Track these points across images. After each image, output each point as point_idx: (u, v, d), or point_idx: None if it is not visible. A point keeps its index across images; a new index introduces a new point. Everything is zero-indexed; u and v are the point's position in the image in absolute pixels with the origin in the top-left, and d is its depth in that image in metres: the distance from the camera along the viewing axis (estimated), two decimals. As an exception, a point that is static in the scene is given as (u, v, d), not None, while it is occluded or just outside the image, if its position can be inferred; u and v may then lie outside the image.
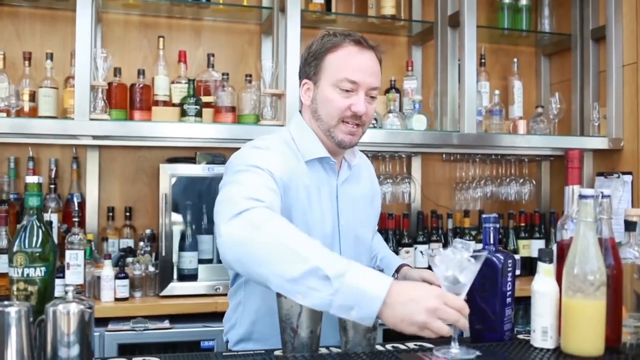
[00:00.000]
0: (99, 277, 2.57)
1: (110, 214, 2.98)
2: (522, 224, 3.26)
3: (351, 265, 1.23)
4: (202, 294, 2.66)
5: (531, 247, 3.20)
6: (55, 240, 2.65)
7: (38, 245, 1.29)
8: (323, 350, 1.40)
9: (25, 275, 1.27)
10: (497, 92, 3.23)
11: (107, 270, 2.55)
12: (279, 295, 1.37)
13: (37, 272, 1.28)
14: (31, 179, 1.31)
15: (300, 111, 1.74)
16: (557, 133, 3.25)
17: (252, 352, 1.42)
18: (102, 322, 2.47)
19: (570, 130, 3.33)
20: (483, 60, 3.34)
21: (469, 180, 3.40)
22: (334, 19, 3.22)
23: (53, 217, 2.76)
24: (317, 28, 3.29)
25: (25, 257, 1.27)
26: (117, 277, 2.56)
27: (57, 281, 2.50)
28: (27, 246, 1.28)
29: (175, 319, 2.55)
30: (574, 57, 3.34)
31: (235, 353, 1.42)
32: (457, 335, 1.31)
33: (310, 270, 1.21)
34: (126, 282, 2.57)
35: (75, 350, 1.18)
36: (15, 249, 1.28)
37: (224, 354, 1.37)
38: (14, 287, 1.27)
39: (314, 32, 3.26)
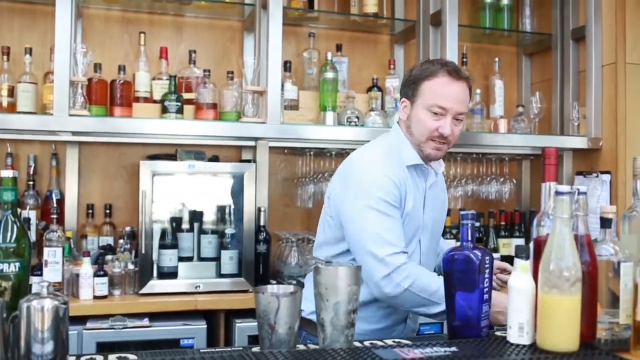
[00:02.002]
0: (77, 275, 2.54)
1: (90, 211, 2.96)
2: (502, 223, 3.29)
3: None
4: (182, 292, 2.65)
5: (511, 245, 3.23)
6: (34, 238, 2.65)
7: (12, 241, 1.27)
8: (300, 347, 1.40)
9: (-1, 270, 1.26)
10: (478, 91, 3.25)
11: (85, 268, 2.53)
12: (256, 290, 1.37)
13: (12, 267, 1.26)
14: (6, 173, 1.29)
15: (397, 122, 2.00)
16: (538, 132, 3.28)
17: (229, 350, 1.42)
18: (81, 320, 2.45)
19: (550, 130, 3.36)
20: (465, 59, 3.35)
21: (450, 179, 3.41)
22: (317, 16, 3.23)
23: (31, 214, 2.73)
24: (300, 25, 3.29)
25: (-1, 252, 1.26)
26: (96, 275, 2.53)
27: (35, 279, 2.50)
28: (1, 241, 1.27)
29: (155, 317, 2.54)
30: (555, 57, 3.37)
31: (213, 350, 1.42)
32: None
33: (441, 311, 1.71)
34: (105, 279, 2.55)
35: (49, 347, 1.16)
36: (-12, 244, 1.26)
37: (201, 350, 1.36)
38: (-13, 283, 1.26)
39: (296, 29, 3.28)
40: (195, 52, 2.99)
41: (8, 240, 1.27)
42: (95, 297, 2.54)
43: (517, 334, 1.36)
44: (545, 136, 3.23)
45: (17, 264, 1.27)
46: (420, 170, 1.95)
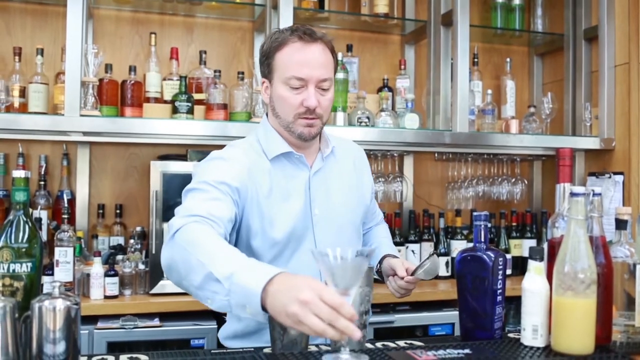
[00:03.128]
0: (88, 275, 2.55)
1: (101, 211, 2.96)
2: (514, 224, 3.26)
3: (243, 264, 1.27)
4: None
5: (522, 246, 3.20)
6: (45, 238, 2.66)
7: (24, 241, 1.27)
8: (313, 349, 1.39)
9: (11, 270, 1.26)
10: (489, 91, 3.23)
11: (96, 268, 2.53)
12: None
13: (24, 267, 1.26)
14: (18, 174, 1.29)
15: (266, 113, 1.79)
16: (549, 133, 3.26)
17: (240, 350, 1.41)
18: (92, 320, 2.46)
19: (562, 130, 3.34)
20: (476, 60, 3.34)
21: (460, 180, 3.39)
22: (327, 16, 3.22)
23: (42, 214, 2.73)
24: (310, 26, 3.27)
25: (11, 252, 1.26)
26: (106, 275, 2.54)
27: (46, 278, 2.51)
28: (13, 241, 1.27)
29: (165, 317, 2.54)
30: (567, 57, 3.34)
31: (224, 350, 1.41)
32: (348, 340, 1.26)
33: (206, 275, 1.28)
34: (116, 279, 2.55)
35: (61, 347, 1.16)
36: (1, 244, 1.26)
37: (212, 351, 1.35)
38: (0, 283, 1.25)
39: (306, 30, 3.26)
40: (205, 52, 2.99)
41: (20, 240, 1.27)
42: (106, 297, 2.54)
43: (531, 336, 1.35)
44: (557, 137, 3.21)
45: (29, 264, 1.27)
46: (295, 159, 1.71)
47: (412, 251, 3.06)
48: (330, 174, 1.78)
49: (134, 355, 1.30)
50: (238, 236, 1.68)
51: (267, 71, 1.69)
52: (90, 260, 2.65)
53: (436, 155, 3.42)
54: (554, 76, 3.53)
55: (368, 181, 1.92)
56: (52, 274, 2.47)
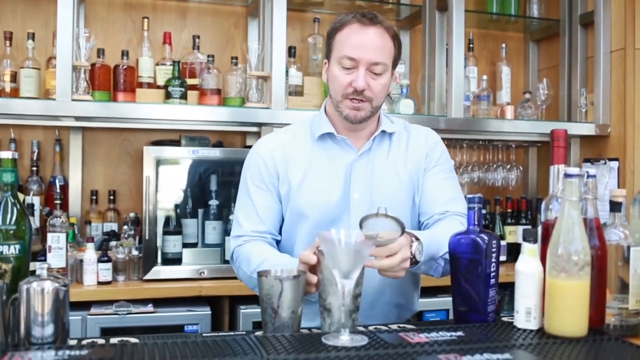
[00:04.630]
0: (81, 261, 2.53)
1: (94, 197, 2.94)
2: (509, 210, 3.26)
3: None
4: (186, 278, 2.63)
5: (517, 233, 3.20)
6: (37, 224, 2.64)
7: (12, 223, 1.26)
8: (304, 331, 1.38)
9: (-1, 252, 1.24)
10: (485, 77, 3.22)
11: (89, 254, 2.52)
12: (259, 274, 1.36)
13: (12, 249, 1.25)
14: (5, 154, 1.27)
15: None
16: (545, 119, 3.24)
17: (232, 334, 1.40)
18: (85, 305, 2.45)
19: (557, 116, 3.33)
20: (471, 45, 3.31)
21: (455, 166, 3.37)
22: (322, 1, 3.19)
23: (35, 200, 2.72)
24: (304, 11, 3.26)
25: (-1, 234, 1.24)
26: (99, 261, 2.53)
27: (39, 264, 2.48)
28: (0, 223, 1.25)
29: (159, 303, 2.53)
30: (562, 43, 3.33)
31: (215, 334, 1.40)
32: (352, 322, 1.31)
33: None
34: (109, 265, 2.54)
35: (49, 330, 1.15)
36: (-12, 226, 1.25)
37: (204, 334, 1.34)
38: (-13, 265, 1.24)
39: (301, 14, 3.25)
40: (199, 37, 2.97)
41: (8, 222, 1.26)
42: (99, 283, 2.53)
43: (525, 318, 1.34)
44: (553, 122, 3.19)
45: (17, 247, 1.26)
46: (339, 141, 1.73)
47: (407, 237, 3.04)
48: (378, 158, 1.75)
49: (124, 339, 1.28)
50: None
51: (328, 51, 1.71)
52: (83, 246, 2.64)
53: (431, 141, 3.40)
54: (549, 62, 3.52)
55: (425, 167, 1.78)
56: (45, 260, 2.45)
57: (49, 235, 2.45)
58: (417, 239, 1.52)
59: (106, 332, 2.42)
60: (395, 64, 1.71)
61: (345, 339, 1.21)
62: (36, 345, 1.13)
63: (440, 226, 1.70)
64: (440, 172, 1.80)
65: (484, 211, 3.17)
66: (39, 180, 2.84)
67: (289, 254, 1.72)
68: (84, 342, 1.26)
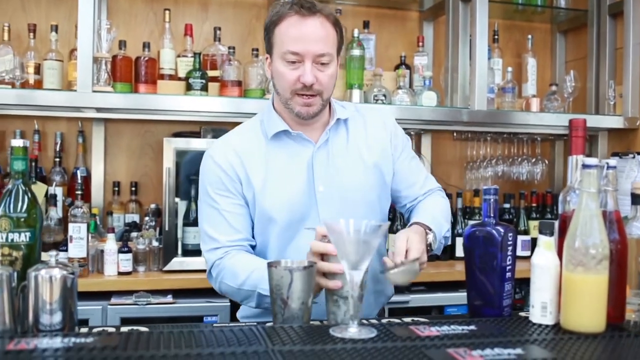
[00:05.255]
0: (102, 251, 2.56)
1: (116, 188, 2.97)
2: (534, 205, 3.20)
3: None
4: (205, 269, 2.63)
5: (542, 228, 3.13)
6: (60, 214, 2.66)
7: (23, 211, 1.26)
8: (316, 323, 1.36)
9: (9, 240, 1.25)
10: (510, 69, 3.16)
11: (110, 244, 2.54)
12: (269, 264, 1.34)
13: (22, 237, 1.26)
14: (17, 143, 1.28)
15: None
16: (572, 112, 3.17)
17: (243, 324, 1.39)
18: (105, 295, 2.47)
19: (585, 109, 3.25)
20: (496, 37, 3.26)
21: (480, 160, 3.33)
22: (343, -8, 3.16)
23: (58, 191, 2.74)
24: (327, 2, 3.22)
25: (9, 222, 1.25)
26: (120, 251, 2.54)
27: (60, 254, 2.51)
28: (11, 211, 1.26)
29: (179, 293, 2.53)
30: (590, 34, 3.24)
31: (226, 324, 1.40)
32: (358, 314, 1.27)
33: (258, 296, 1.56)
34: (129, 256, 2.55)
35: (57, 317, 1.16)
36: (0, 213, 1.25)
37: (214, 325, 1.34)
38: (-1, 252, 1.25)
39: (322, 6, 3.21)
40: (220, 29, 2.96)
41: (19, 210, 1.26)
42: (120, 274, 2.55)
43: (540, 313, 1.31)
44: (580, 115, 3.12)
45: (28, 234, 1.26)
46: (295, 137, 1.67)
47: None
48: (338, 147, 1.70)
49: (135, 327, 1.28)
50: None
51: (268, 46, 1.64)
52: (104, 237, 2.66)
53: (455, 134, 3.36)
54: (577, 54, 3.44)
55: (390, 154, 1.76)
56: (66, 250, 2.48)
57: (70, 226, 2.47)
58: (431, 229, 1.58)
59: (126, 322, 2.42)
60: (339, 51, 1.65)
61: (353, 331, 1.19)
62: (44, 333, 1.13)
63: (431, 205, 1.77)
64: (407, 155, 1.82)
65: (507, 205, 3.12)
66: (61, 171, 2.87)
67: (262, 257, 1.69)
68: (95, 330, 1.26)
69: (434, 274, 2.76)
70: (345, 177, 1.68)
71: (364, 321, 1.37)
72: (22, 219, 1.26)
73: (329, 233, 1.23)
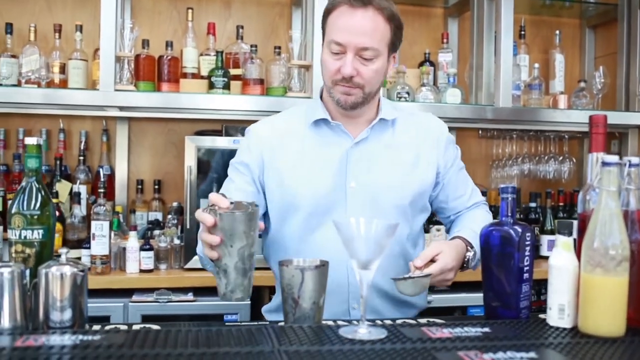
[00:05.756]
0: (124, 249, 2.58)
1: (140, 186, 2.99)
2: (561, 204, 3.13)
3: None
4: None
5: (570, 227, 3.06)
6: (84, 212, 2.69)
7: (36, 208, 1.27)
8: (329, 322, 1.34)
9: (22, 237, 1.26)
10: (536, 65, 3.09)
11: (132, 242, 2.56)
12: (281, 263, 1.33)
13: (35, 234, 1.26)
14: (30, 141, 1.29)
15: None
16: (601, 108, 3.09)
17: (254, 323, 1.38)
18: (127, 293, 2.49)
19: (614, 106, 3.17)
20: (523, 33, 3.19)
21: (505, 158, 3.27)
22: (367, -11, 3.12)
23: (82, 189, 2.77)
24: None
25: (23, 219, 1.26)
26: (142, 249, 2.56)
27: (83, 251, 2.55)
28: (25, 208, 1.26)
29: (199, 291, 2.54)
30: (620, 29, 3.16)
31: (237, 323, 1.39)
32: (248, 281, 1.26)
33: None
34: (151, 254, 2.57)
35: (67, 314, 1.16)
36: (13, 210, 1.26)
37: (226, 323, 1.33)
38: (12, 250, 1.26)
39: (346, 3, 3.19)
40: (242, 27, 2.96)
41: (32, 207, 1.27)
42: (142, 271, 2.57)
43: (557, 316, 1.27)
44: (609, 112, 3.04)
45: (41, 231, 1.27)
46: (334, 127, 1.64)
47: (452, 230, 2.96)
48: (379, 146, 1.66)
49: (147, 325, 1.28)
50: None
51: (323, 34, 1.62)
52: (128, 234, 2.68)
53: (480, 132, 3.31)
54: (606, 49, 3.36)
55: (436, 162, 1.70)
56: (89, 248, 2.51)
57: (93, 223, 2.49)
58: (472, 246, 1.59)
59: (147, 319, 2.44)
60: (393, 46, 1.61)
61: (363, 331, 1.17)
62: (53, 330, 1.14)
63: (474, 219, 1.71)
64: (457, 166, 1.79)
65: (533, 204, 3.06)
66: (86, 169, 2.90)
67: (278, 248, 1.67)
68: (107, 327, 1.27)
69: (458, 274, 2.71)
70: (380, 177, 1.64)
71: (377, 322, 1.34)
72: (35, 217, 1.27)
73: (338, 231, 1.20)
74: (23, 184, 1.29)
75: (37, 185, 1.29)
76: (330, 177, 1.62)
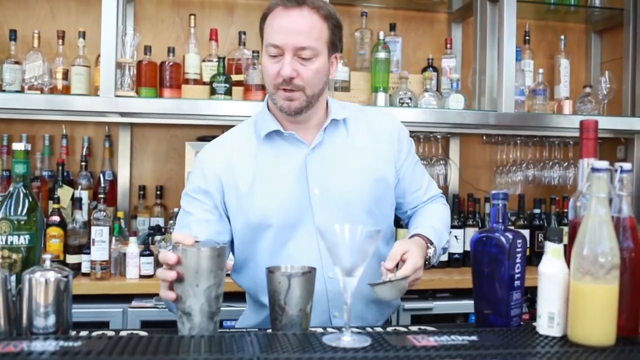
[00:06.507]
0: (124, 254, 2.58)
1: (142, 192, 3.00)
2: (565, 210, 3.09)
3: None
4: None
5: (575, 234, 3.03)
6: (85, 217, 2.70)
7: (23, 214, 1.27)
8: (318, 330, 1.33)
9: (9, 242, 1.26)
10: (540, 70, 3.07)
11: (132, 248, 2.56)
12: (268, 270, 1.32)
13: (21, 240, 1.26)
14: (18, 146, 1.29)
15: None
16: (606, 114, 3.06)
17: (243, 329, 1.37)
18: (126, 298, 2.49)
19: (620, 111, 3.14)
20: (527, 38, 3.17)
21: (509, 164, 3.25)
22: (369, -6, 3.13)
23: (83, 194, 2.78)
24: (353, 5, 3.21)
25: (9, 224, 1.26)
26: (142, 255, 2.56)
27: (83, 257, 2.55)
28: (12, 214, 1.27)
29: (199, 297, 2.53)
30: (627, 34, 3.12)
31: (228, 330, 1.38)
32: (214, 325, 1.21)
33: None
34: (151, 259, 2.57)
35: (50, 320, 1.15)
36: (0, 216, 1.26)
37: (221, 330, 1.32)
38: (-1, 255, 1.26)
39: (349, 9, 3.20)
40: (245, 33, 2.96)
41: (19, 212, 1.27)
42: (141, 277, 2.56)
43: (547, 324, 1.25)
44: (614, 118, 3.02)
45: (27, 237, 1.27)
46: (287, 137, 1.60)
47: (455, 237, 2.94)
48: (335, 148, 1.63)
49: (134, 332, 1.28)
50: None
51: (262, 40, 1.58)
52: (128, 240, 2.68)
53: (484, 138, 3.29)
54: (612, 54, 3.32)
55: (393, 157, 1.69)
56: (89, 253, 2.51)
57: (93, 229, 2.49)
58: (432, 242, 1.57)
59: (146, 325, 2.45)
60: (333, 46, 1.57)
61: (347, 339, 1.16)
62: (36, 336, 1.14)
63: (432, 214, 1.73)
64: (412, 159, 1.76)
65: (537, 210, 3.03)
66: (88, 175, 2.91)
67: (249, 265, 1.64)
68: (94, 333, 1.26)
69: (458, 281, 2.70)
70: (342, 180, 1.61)
71: (361, 330, 1.33)
72: (22, 222, 1.27)
73: (322, 238, 1.19)
74: (10, 189, 1.29)
75: (24, 191, 1.29)
76: (291, 188, 1.59)
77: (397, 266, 1.44)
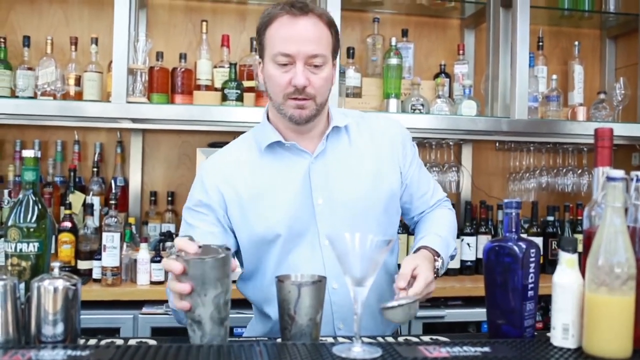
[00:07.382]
0: (135, 260, 2.58)
1: (153, 198, 3.00)
2: (580, 217, 3.06)
3: None
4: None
5: (589, 242, 3.00)
6: (97, 223, 2.70)
7: (32, 221, 1.27)
8: (328, 339, 1.32)
9: (18, 250, 1.25)
10: (554, 77, 3.04)
11: (143, 254, 2.56)
12: (278, 279, 1.31)
13: (31, 247, 1.26)
14: (27, 153, 1.29)
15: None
16: (621, 121, 3.03)
17: (253, 339, 1.36)
18: (137, 304, 2.48)
19: (635, 118, 3.10)
20: (541, 44, 3.14)
21: (522, 170, 3.22)
22: (381, 0, 3.11)
23: (95, 200, 2.79)
24: (364, 11, 3.20)
25: (18, 232, 1.25)
26: (152, 261, 2.56)
27: (95, 263, 2.55)
28: (21, 221, 1.26)
29: (210, 304, 2.52)
30: (642, 39, 3.10)
31: (237, 339, 1.37)
32: (225, 330, 1.20)
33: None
34: (162, 265, 2.57)
35: (59, 329, 1.15)
36: (9, 223, 1.26)
37: (231, 338, 1.31)
38: (8, 262, 1.26)
39: (360, 14, 3.19)
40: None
41: (28, 220, 1.27)
42: (152, 283, 2.56)
43: (561, 336, 1.22)
44: (629, 124, 2.98)
45: (37, 244, 1.27)
46: (289, 148, 1.57)
47: (468, 244, 2.92)
48: (338, 156, 1.60)
49: (143, 340, 1.27)
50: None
51: (260, 50, 1.57)
52: (139, 246, 2.68)
53: (497, 144, 3.26)
54: (627, 60, 3.29)
55: (398, 162, 1.66)
56: (100, 259, 2.51)
57: (104, 235, 2.50)
58: (439, 255, 1.54)
59: (156, 332, 2.45)
60: (335, 53, 1.56)
61: (357, 350, 1.14)
62: (44, 344, 1.13)
63: (439, 222, 1.70)
64: (417, 164, 1.73)
65: (551, 218, 2.99)
66: (100, 181, 2.91)
67: (256, 280, 1.62)
68: (103, 342, 1.26)
69: (471, 288, 2.68)
70: (346, 188, 1.58)
71: (372, 340, 1.31)
72: (32, 229, 1.27)
73: (332, 246, 1.18)
74: (20, 196, 1.29)
75: (34, 198, 1.29)
76: (294, 199, 1.56)
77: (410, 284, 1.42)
